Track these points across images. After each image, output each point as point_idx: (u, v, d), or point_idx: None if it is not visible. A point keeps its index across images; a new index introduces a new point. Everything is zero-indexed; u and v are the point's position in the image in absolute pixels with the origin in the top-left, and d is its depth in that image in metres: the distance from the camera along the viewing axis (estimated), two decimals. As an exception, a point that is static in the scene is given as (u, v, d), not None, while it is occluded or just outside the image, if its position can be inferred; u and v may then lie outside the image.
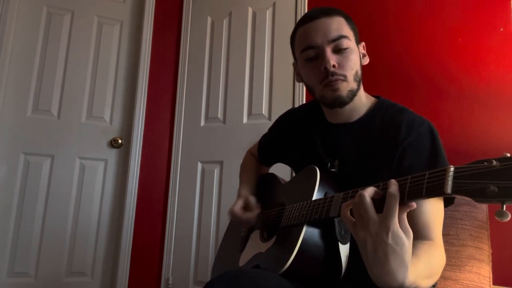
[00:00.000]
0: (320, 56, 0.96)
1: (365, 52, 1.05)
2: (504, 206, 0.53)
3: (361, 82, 1.01)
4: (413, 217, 0.82)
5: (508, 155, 0.53)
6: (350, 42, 0.97)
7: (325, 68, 0.94)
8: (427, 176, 0.62)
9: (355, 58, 0.98)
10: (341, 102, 0.98)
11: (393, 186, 0.65)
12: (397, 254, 0.64)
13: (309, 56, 0.98)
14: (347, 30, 0.98)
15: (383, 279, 0.66)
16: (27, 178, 2.32)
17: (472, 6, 1.91)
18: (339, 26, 0.97)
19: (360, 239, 0.67)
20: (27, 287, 2.24)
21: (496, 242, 1.41)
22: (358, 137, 1.01)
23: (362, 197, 0.67)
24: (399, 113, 0.99)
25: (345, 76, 0.96)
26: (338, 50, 0.96)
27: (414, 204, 0.65)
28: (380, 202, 0.67)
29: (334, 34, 0.96)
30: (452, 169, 0.58)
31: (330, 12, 0.98)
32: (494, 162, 0.53)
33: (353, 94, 0.98)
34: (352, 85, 0.97)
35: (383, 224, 0.64)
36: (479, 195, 0.54)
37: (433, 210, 0.86)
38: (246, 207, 1.16)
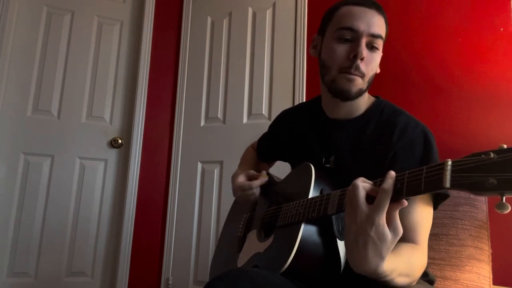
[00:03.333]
0: (354, 42, 0.95)
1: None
2: (504, 198, 0.53)
3: (370, 85, 1.01)
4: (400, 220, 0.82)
5: (505, 146, 0.54)
6: (381, 45, 0.98)
7: (354, 56, 0.93)
8: (424, 171, 0.62)
9: (378, 61, 0.98)
10: (347, 97, 0.98)
11: (389, 180, 0.66)
12: (376, 247, 0.66)
13: (344, 36, 0.96)
14: (384, 33, 0.98)
15: (357, 264, 0.68)
16: (27, 178, 2.32)
17: (472, 6, 1.91)
18: (382, 26, 0.97)
19: (346, 224, 0.70)
20: (27, 287, 2.24)
21: (496, 242, 1.40)
22: (355, 135, 1.01)
23: (355, 187, 0.69)
24: (395, 115, 0.99)
25: (364, 75, 0.95)
26: (371, 47, 0.96)
27: (405, 202, 0.66)
28: (374, 198, 0.67)
29: (376, 30, 0.95)
30: (449, 163, 0.58)
31: (380, 8, 0.98)
32: (492, 155, 0.53)
33: (360, 93, 0.98)
34: (365, 85, 0.98)
35: (370, 217, 0.66)
36: (478, 189, 0.54)
37: (420, 214, 0.86)
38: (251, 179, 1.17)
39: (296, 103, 2.26)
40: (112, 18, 2.61)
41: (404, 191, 0.64)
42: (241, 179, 1.15)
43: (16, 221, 2.27)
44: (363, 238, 0.66)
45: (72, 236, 2.35)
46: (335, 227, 0.85)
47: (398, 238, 0.67)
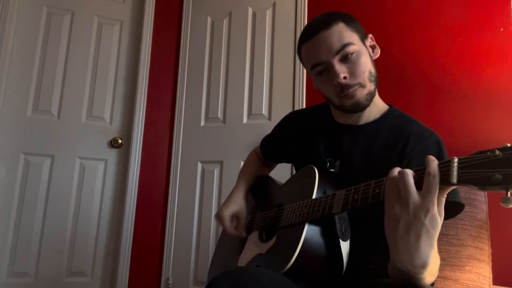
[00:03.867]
0: (329, 70, 0.96)
1: (374, 43, 1.04)
2: (509, 193, 0.55)
3: (378, 80, 1.00)
4: None
5: (509, 145, 0.56)
6: (355, 46, 0.96)
7: (338, 82, 0.94)
8: None
9: (365, 59, 0.97)
10: (362, 107, 0.99)
11: (433, 163, 0.63)
12: (429, 235, 0.64)
13: (319, 71, 0.99)
14: (349, 36, 0.96)
15: (409, 257, 0.66)
16: (27, 178, 2.32)
17: (472, 6, 1.91)
18: (340, 35, 0.96)
19: (394, 216, 0.67)
20: (27, 287, 2.24)
21: (496, 242, 1.41)
22: (364, 141, 1.01)
23: (404, 174, 0.66)
24: (408, 124, 0.99)
25: (359, 83, 0.96)
26: (345, 58, 0.95)
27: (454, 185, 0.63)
28: (417, 185, 0.66)
29: (336, 46, 0.95)
30: (456, 160, 0.60)
31: (327, 22, 0.97)
32: (497, 152, 0.56)
33: (372, 95, 0.99)
34: (369, 87, 0.97)
35: (423, 205, 0.63)
36: (484, 184, 0.56)
37: None
38: (237, 217, 1.19)
39: (296, 103, 2.26)
40: (112, 18, 2.60)
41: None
42: (227, 219, 1.18)
43: (16, 221, 2.27)
44: (415, 228, 0.64)
45: (72, 236, 2.35)
46: (338, 228, 0.85)
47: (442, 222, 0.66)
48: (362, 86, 0.96)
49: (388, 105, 1.08)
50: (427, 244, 0.65)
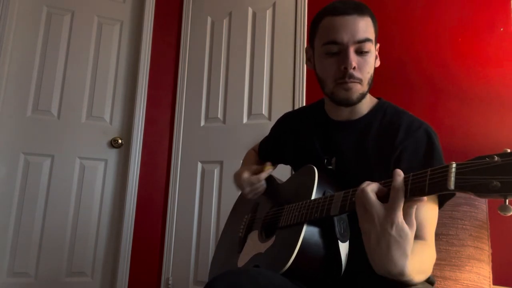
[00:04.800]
0: (342, 53, 0.95)
1: (377, 54, 1.03)
2: (507, 200, 0.54)
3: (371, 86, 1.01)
4: None
5: (509, 150, 0.55)
6: (372, 46, 0.96)
7: (345, 68, 0.94)
8: (429, 173, 0.63)
9: (373, 62, 0.98)
10: (349, 103, 0.98)
11: (398, 178, 0.67)
12: (399, 245, 0.67)
13: (331, 50, 0.96)
14: (372, 33, 0.97)
15: (384, 267, 0.69)
16: (27, 178, 2.32)
17: (472, 6, 1.91)
18: (367, 28, 0.95)
19: (364, 230, 0.70)
20: (27, 287, 2.24)
21: (496, 242, 1.40)
22: (357, 136, 1.01)
23: (363, 191, 0.70)
24: (398, 116, 1.00)
25: (360, 80, 0.95)
26: (360, 52, 0.95)
27: (424, 198, 0.66)
28: (384, 198, 0.69)
29: (361, 35, 0.94)
30: (454, 165, 0.60)
31: (361, 10, 0.96)
32: (496, 158, 0.55)
33: (363, 96, 0.99)
34: (364, 88, 0.98)
35: (388, 216, 0.66)
36: (482, 191, 0.55)
37: (428, 211, 0.87)
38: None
39: (296, 103, 2.26)
40: (112, 18, 2.60)
41: (409, 192, 0.66)
42: (247, 175, 1.15)
43: (16, 221, 2.27)
44: (385, 239, 0.67)
45: (72, 236, 2.35)
46: (336, 229, 0.85)
47: (414, 231, 0.68)
48: (361, 84, 0.96)
49: (377, 98, 1.08)
50: (399, 254, 0.67)
